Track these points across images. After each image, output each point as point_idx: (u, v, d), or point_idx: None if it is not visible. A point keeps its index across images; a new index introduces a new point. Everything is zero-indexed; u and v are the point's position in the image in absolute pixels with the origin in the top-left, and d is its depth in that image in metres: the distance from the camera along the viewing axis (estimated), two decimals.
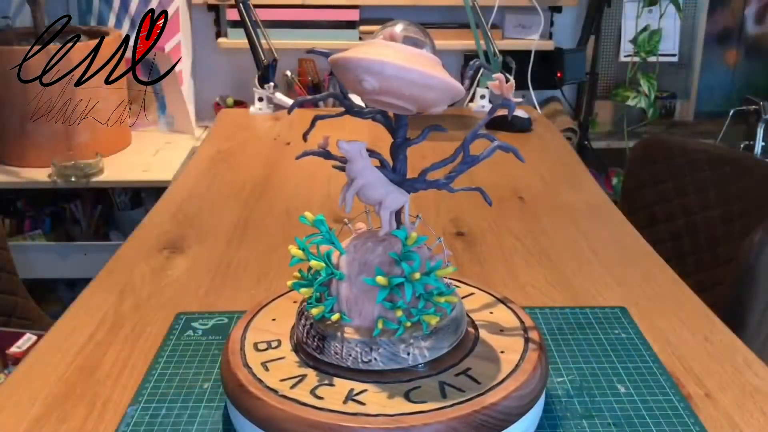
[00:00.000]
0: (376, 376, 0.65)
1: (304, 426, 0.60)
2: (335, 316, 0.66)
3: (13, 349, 1.31)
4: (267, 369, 0.67)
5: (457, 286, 0.80)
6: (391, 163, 0.70)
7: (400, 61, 0.59)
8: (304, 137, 0.70)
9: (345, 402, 0.62)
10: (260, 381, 0.65)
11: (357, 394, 0.63)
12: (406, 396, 0.63)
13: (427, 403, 0.62)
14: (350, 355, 0.66)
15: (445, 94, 0.61)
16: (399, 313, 0.64)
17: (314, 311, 0.67)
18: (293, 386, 0.65)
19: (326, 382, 0.65)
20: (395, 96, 0.61)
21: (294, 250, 0.68)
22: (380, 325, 0.65)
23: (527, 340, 0.70)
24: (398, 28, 0.64)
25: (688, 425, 0.69)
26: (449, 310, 0.67)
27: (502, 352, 0.68)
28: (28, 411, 0.72)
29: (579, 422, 0.70)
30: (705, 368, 0.79)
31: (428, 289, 0.66)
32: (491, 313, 0.75)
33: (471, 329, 0.72)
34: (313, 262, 0.68)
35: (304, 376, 0.66)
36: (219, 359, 0.79)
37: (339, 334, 0.66)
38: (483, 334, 0.72)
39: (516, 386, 0.63)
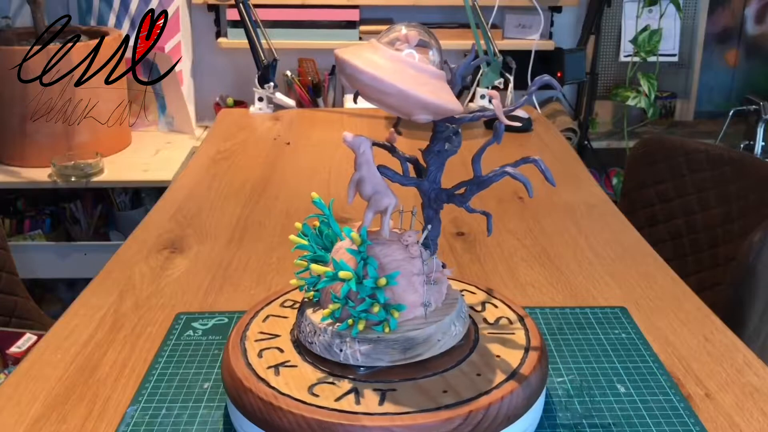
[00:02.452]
0: (318, 360, 0.67)
1: (226, 370, 0.67)
2: (309, 294, 0.70)
3: (13, 349, 1.31)
4: (265, 321, 0.74)
5: (509, 319, 0.75)
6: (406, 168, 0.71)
7: (358, 61, 0.60)
8: (395, 127, 0.71)
9: (268, 368, 0.66)
10: (246, 328, 0.72)
11: (286, 366, 0.66)
12: (312, 386, 0.64)
13: (318, 398, 0.62)
14: (303, 332, 0.68)
15: (408, 103, 0.60)
16: (333, 306, 0.66)
17: (293, 281, 0.71)
18: (258, 340, 0.70)
19: (281, 348, 0.69)
20: (365, 96, 0.62)
21: (298, 224, 0.71)
22: (326, 313, 0.66)
23: (486, 393, 0.63)
24: (402, 30, 0.64)
25: (688, 425, 0.69)
26: (393, 324, 0.65)
27: (444, 391, 0.63)
28: (28, 411, 0.72)
29: (579, 422, 0.70)
30: (705, 368, 0.79)
31: (374, 297, 0.65)
32: (498, 357, 0.69)
33: (451, 359, 0.67)
34: (291, 237, 0.70)
35: (276, 336, 0.71)
36: (219, 359, 0.80)
37: (307, 310, 0.69)
38: (460, 369, 0.66)
39: (399, 423, 0.60)
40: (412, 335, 0.65)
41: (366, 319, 0.65)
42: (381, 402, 0.62)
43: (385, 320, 0.65)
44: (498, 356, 0.69)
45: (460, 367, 0.67)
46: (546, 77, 0.64)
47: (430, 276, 0.68)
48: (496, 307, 0.78)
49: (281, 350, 0.70)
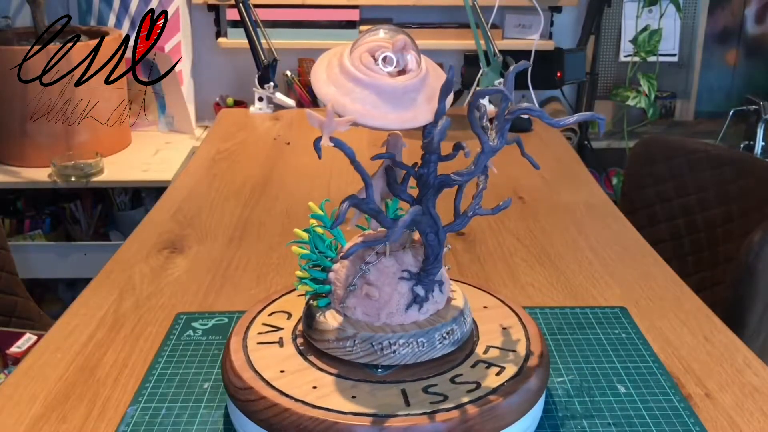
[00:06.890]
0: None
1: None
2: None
3: (13, 349, 1.31)
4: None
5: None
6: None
7: (315, 66, 0.63)
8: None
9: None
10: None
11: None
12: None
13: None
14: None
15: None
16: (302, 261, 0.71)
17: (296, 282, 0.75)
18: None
19: (282, 347, 0.71)
20: None
21: (313, 208, 0.73)
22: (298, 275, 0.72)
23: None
24: (381, 33, 0.64)
25: (688, 425, 0.69)
26: (321, 301, 0.70)
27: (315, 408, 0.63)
28: (28, 411, 0.72)
29: (579, 422, 0.70)
30: (705, 368, 0.79)
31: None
32: (498, 358, 0.68)
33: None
34: (310, 210, 0.72)
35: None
36: (219, 359, 0.80)
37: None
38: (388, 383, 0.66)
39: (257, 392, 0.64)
40: (313, 317, 0.69)
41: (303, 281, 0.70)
42: (263, 383, 0.65)
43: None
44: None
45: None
46: (593, 114, 0.64)
47: (356, 286, 0.67)
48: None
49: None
